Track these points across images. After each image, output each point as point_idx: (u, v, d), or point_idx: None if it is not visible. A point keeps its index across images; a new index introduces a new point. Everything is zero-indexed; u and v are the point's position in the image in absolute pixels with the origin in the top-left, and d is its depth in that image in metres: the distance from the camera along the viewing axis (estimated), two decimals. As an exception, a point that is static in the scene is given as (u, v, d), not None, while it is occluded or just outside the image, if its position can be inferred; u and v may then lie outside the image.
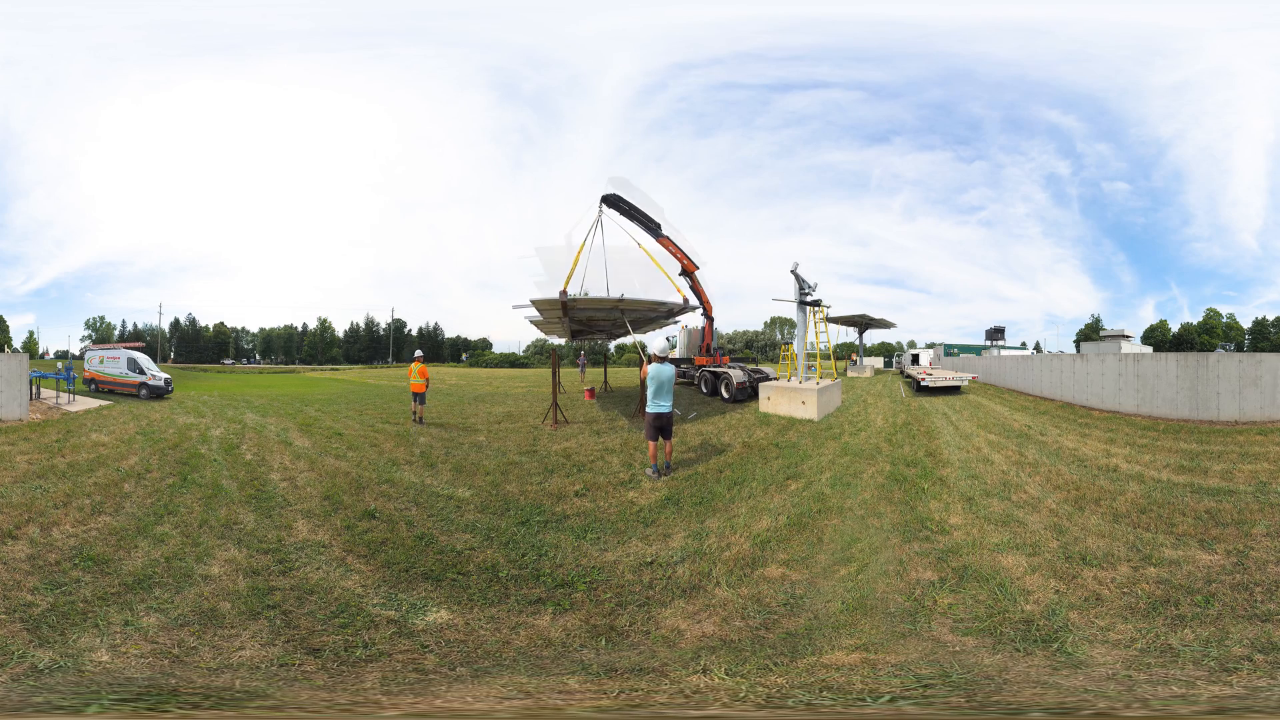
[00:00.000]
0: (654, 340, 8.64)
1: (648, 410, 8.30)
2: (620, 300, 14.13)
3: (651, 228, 16.97)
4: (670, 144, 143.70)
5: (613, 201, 16.33)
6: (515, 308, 14.70)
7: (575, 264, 14.52)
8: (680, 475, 7.95)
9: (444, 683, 3.01)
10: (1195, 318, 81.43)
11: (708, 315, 21.51)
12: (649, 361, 8.55)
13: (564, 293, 13.03)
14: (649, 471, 8.03)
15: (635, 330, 16.84)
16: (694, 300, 15.76)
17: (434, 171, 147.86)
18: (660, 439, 8.23)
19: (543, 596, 4.34)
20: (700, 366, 21.59)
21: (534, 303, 14.16)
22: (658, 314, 15.90)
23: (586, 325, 18.33)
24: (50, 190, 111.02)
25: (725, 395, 18.69)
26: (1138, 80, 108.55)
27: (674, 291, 15.92)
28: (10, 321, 73.92)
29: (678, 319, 17.94)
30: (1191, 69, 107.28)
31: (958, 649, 3.43)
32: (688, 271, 20.02)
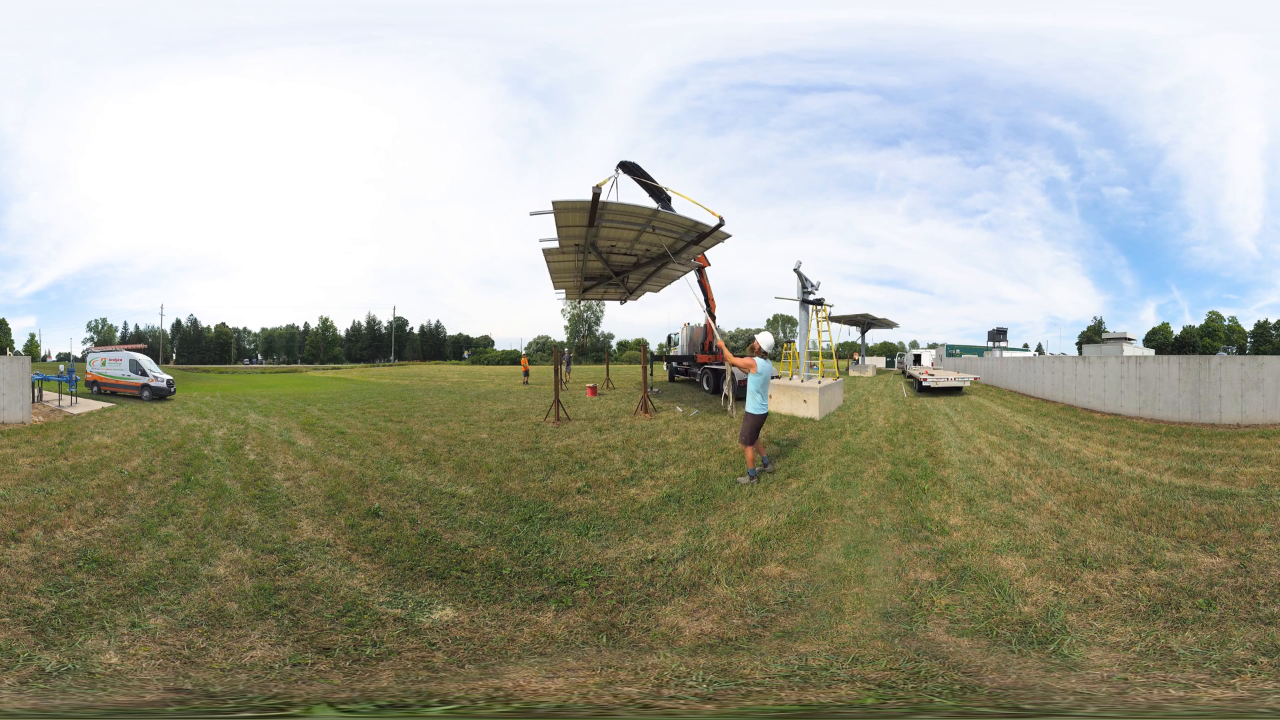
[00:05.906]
0: (764, 336, 7.98)
1: (751, 411, 7.70)
2: (656, 213, 13.12)
3: (662, 202, 16.91)
4: (682, 141, 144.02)
5: (629, 169, 16.27)
6: (534, 214, 12.65)
7: (608, 180, 13.25)
8: (682, 471, 7.96)
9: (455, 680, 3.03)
10: (1196, 321, 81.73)
11: (710, 313, 21.58)
12: (754, 355, 7.83)
13: (597, 190, 11.74)
14: (743, 480, 7.43)
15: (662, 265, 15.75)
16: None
17: (436, 166, 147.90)
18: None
19: (545, 594, 4.37)
20: (702, 364, 21.64)
21: (555, 205, 12.14)
22: (688, 237, 14.90)
23: (606, 262, 17.33)
24: (47, 193, 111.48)
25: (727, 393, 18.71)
26: (1133, 87, 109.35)
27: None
28: (11, 324, 74.30)
29: (703, 247, 16.19)
30: (1180, 74, 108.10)
31: (951, 649, 3.44)
32: (699, 266, 20.06)
